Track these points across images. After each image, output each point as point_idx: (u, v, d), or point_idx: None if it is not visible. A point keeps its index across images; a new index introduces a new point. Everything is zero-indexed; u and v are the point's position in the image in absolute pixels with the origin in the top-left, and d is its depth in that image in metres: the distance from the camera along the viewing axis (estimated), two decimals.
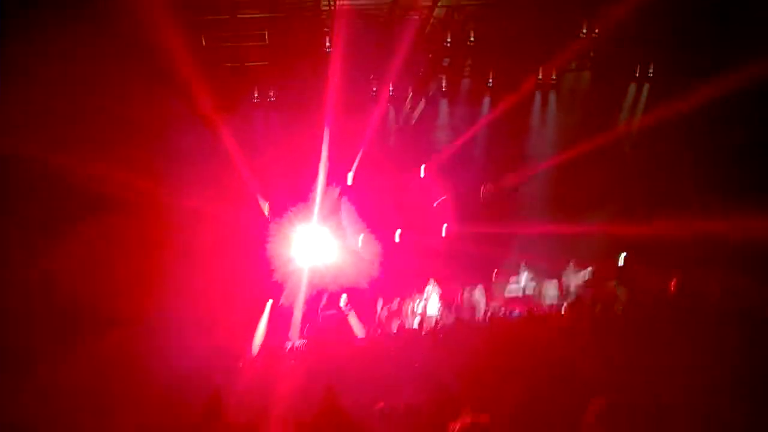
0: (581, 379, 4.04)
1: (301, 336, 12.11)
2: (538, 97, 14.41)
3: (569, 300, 12.37)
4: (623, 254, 11.89)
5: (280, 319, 12.97)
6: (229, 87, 13.26)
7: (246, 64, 13.52)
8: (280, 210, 14.58)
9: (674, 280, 9.19)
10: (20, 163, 8.52)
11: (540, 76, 13.93)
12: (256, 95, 14.12)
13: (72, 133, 9.25)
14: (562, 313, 10.75)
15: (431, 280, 13.81)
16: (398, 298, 13.81)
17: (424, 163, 15.33)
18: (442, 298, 13.32)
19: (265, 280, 13.71)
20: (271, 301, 13.17)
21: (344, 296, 13.49)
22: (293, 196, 14.54)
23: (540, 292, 13.44)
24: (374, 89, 14.37)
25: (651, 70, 13.50)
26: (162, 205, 10.93)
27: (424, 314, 12.93)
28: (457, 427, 2.46)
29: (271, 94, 14.19)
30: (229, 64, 13.28)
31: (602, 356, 4.91)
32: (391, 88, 14.49)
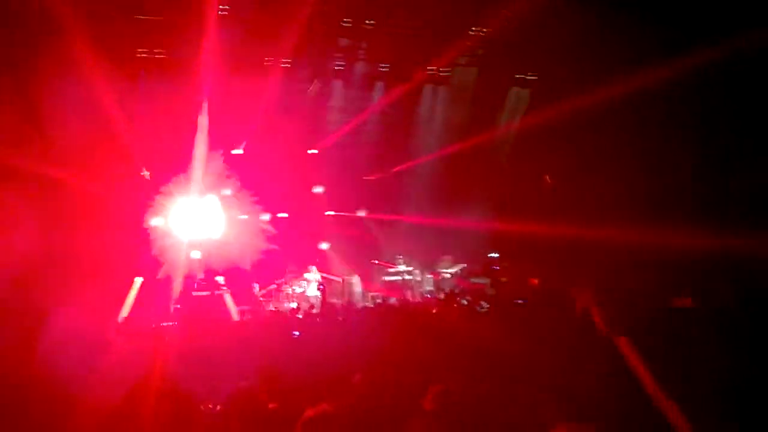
0: (434, 367, 4.28)
1: (172, 315, 11.70)
2: (428, 88, 14.75)
3: (442, 291, 13.08)
4: (494, 253, 12.70)
5: (153, 296, 12.41)
6: (115, 42, 12.13)
7: (136, 16, 12.42)
8: (161, 178, 13.82)
9: (535, 279, 9.96)
10: None
11: (431, 69, 14.23)
12: (142, 51, 13.03)
13: None
14: (435, 302, 11.30)
15: (312, 267, 13.91)
16: (276, 282, 13.77)
17: (315, 142, 15.21)
18: (320, 284, 13.49)
19: (141, 253, 13.02)
20: (141, 278, 12.52)
21: (221, 277, 13.20)
22: (176, 164, 13.81)
23: (416, 282, 14.07)
24: (267, 59, 13.88)
25: (532, 76, 14.23)
26: (31, 169, 9.98)
27: (301, 298, 13.03)
28: (303, 420, 2.48)
29: (159, 51, 13.16)
30: (118, 16, 12.11)
31: (461, 345, 5.23)
32: (285, 61, 14.07)
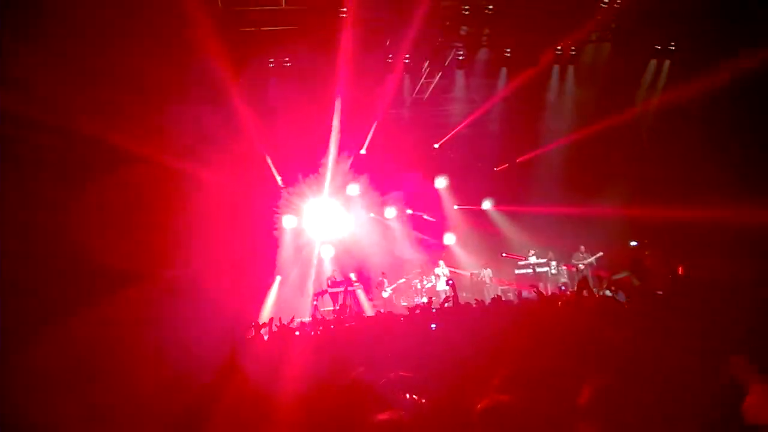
0: (587, 361, 4.01)
1: (312, 312, 12.21)
2: (556, 70, 13.96)
3: (578, 283, 12.31)
4: (633, 242, 11.73)
5: (290, 293, 13.08)
6: (245, 52, 12.93)
7: (262, 29, 13.14)
8: (292, 180, 14.51)
9: (681, 266, 9.09)
10: (36, 123, 8.47)
11: (559, 48, 13.44)
12: (271, 61, 13.74)
13: (87, 97, 9.15)
14: (570, 295, 10.69)
15: (440, 262, 13.81)
16: (406, 277, 13.85)
17: (439, 135, 15.07)
18: (449, 278, 13.34)
19: (276, 251, 13.78)
20: (279, 277, 13.24)
21: (353, 274, 13.54)
22: (306, 166, 14.43)
23: (549, 275, 13.43)
24: (390, 57, 13.99)
25: (673, 46, 12.91)
26: (176, 169, 10.85)
27: (431, 293, 13.00)
28: (482, 407, 2.44)
29: (286, 60, 13.79)
30: (245, 29, 12.92)
31: (607, 339, 4.85)
32: (407, 57, 14.08)
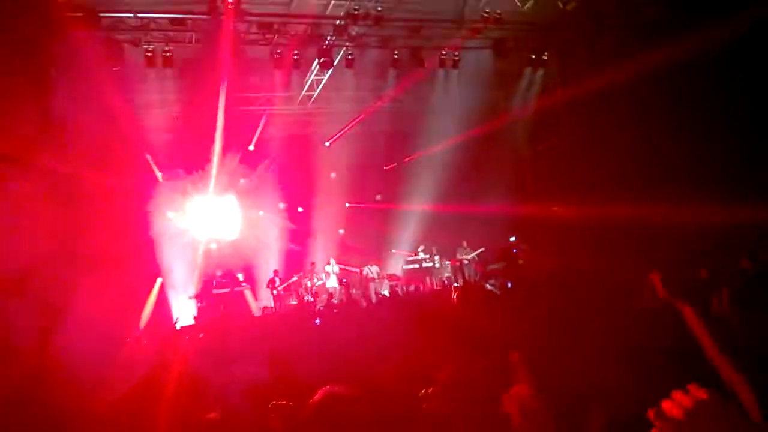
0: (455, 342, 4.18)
1: (197, 313, 11.74)
2: (440, 73, 14.50)
3: (462, 276, 12.92)
4: (512, 237, 12.50)
5: (173, 295, 12.47)
6: (118, 41, 12.09)
7: (138, 15, 12.35)
8: (175, 176, 13.87)
9: (554, 261, 9.78)
10: None
11: (444, 53, 13.98)
12: (149, 51, 12.90)
13: None
14: (455, 288, 11.15)
15: (331, 259, 13.85)
16: (296, 276, 13.73)
17: (330, 132, 15.11)
18: (340, 275, 13.42)
19: (157, 252, 13.07)
20: (160, 279, 12.56)
21: (240, 274, 13.21)
22: (190, 162, 13.84)
23: (434, 269, 13.95)
24: (278, 52, 13.76)
25: (545, 56, 13.91)
26: (49, 165, 10.01)
27: (320, 290, 12.99)
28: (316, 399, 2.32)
29: (167, 48, 13.05)
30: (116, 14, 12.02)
31: (477, 324, 5.09)
32: (295, 52, 13.92)
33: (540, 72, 14.01)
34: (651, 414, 1.39)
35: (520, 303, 6.63)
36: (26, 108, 9.83)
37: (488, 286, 9.52)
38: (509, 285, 9.10)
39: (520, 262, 11.78)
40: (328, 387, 2.36)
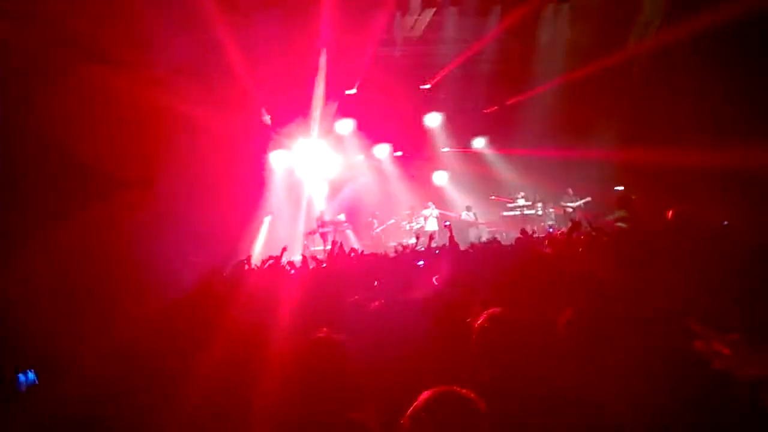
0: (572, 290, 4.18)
1: (302, 250, 12.33)
2: (550, 9, 13.65)
3: (567, 225, 12.50)
4: (619, 187, 11.85)
5: (280, 233, 13.14)
6: None
7: None
8: (281, 119, 14.33)
9: (671, 210, 9.22)
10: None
11: None
12: None
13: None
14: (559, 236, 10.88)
15: (430, 203, 13.89)
16: (394, 218, 13.95)
17: (430, 75, 14.82)
18: (440, 218, 13.47)
19: (265, 191, 13.75)
20: (270, 216, 13.25)
21: (342, 215, 13.60)
22: (294, 106, 14.21)
23: (536, 217, 13.60)
24: None
25: None
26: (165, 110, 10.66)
27: (421, 233, 13.14)
28: (480, 320, 2.58)
29: None
30: None
31: (593, 273, 5.02)
32: None
33: (660, 3, 12.78)
34: None
35: (641, 252, 6.35)
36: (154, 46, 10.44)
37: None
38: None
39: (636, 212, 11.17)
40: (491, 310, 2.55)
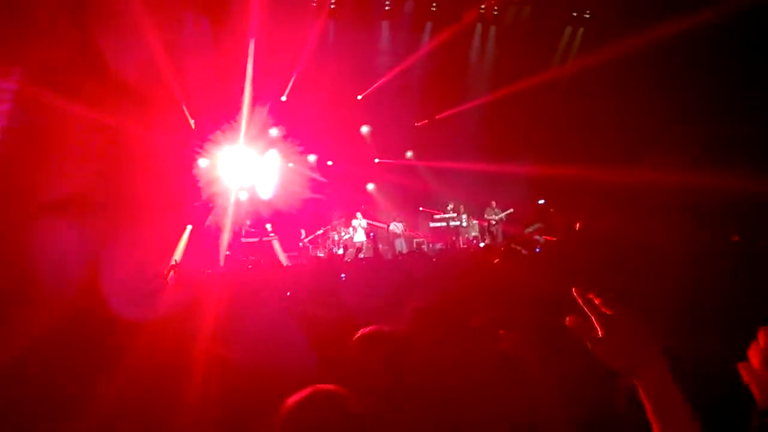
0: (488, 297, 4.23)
1: (223, 261, 11.96)
2: (479, 28, 14.11)
3: (488, 236, 12.85)
4: (541, 200, 12.32)
5: (202, 243, 12.70)
6: None
7: None
8: (207, 125, 13.91)
9: (579, 222, 9.71)
10: None
11: (483, 7, 13.56)
12: None
13: None
14: (481, 247, 11.16)
15: (358, 214, 13.88)
16: (323, 228, 13.82)
17: (361, 86, 14.88)
18: (367, 230, 13.47)
19: (190, 199, 13.27)
20: (190, 225, 12.78)
21: (269, 224, 13.32)
22: (221, 111, 13.84)
23: (461, 228, 13.88)
24: (314, 1, 13.50)
25: (588, 14, 13.42)
26: (88, 113, 10.14)
27: (348, 243, 13.09)
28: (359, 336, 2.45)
29: None
30: None
31: (509, 280, 5.13)
32: (332, 3, 13.65)
33: (580, 31, 13.53)
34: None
35: (556, 263, 6.58)
36: (68, 51, 9.90)
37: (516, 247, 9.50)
38: (538, 250, 9.07)
39: (552, 224, 11.66)
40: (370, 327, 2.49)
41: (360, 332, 2.43)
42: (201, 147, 13.82)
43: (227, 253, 12.24)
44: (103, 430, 2.56)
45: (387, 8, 13.95)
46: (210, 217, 13.32)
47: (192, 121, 13.69)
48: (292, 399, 1.78)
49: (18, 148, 8.76)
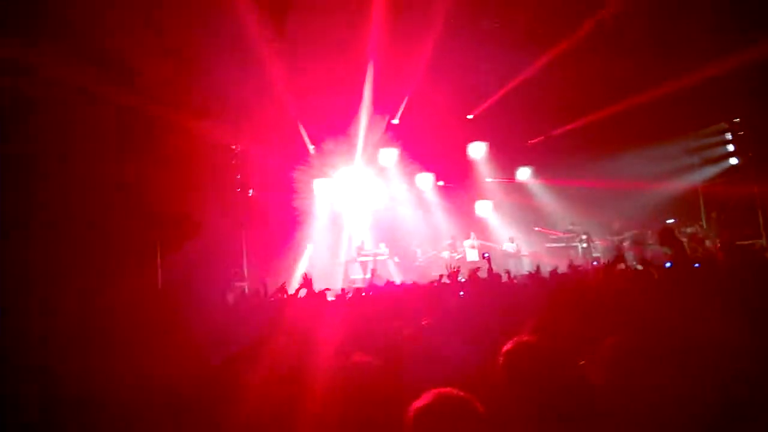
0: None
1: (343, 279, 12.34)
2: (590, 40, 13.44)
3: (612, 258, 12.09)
4: (671, 220, 11.44)
5: (321, 262, 13.19)
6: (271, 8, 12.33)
7: None
8: (323, 147, 14.43)
9: (719, 242, 8.92)
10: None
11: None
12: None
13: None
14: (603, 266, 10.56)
15: (471, 234, 13.73)
16: (437, 249, 13.81)
17: (473, 104, 14.76)
18: (480, 250, 13.27)
19: (307, 219, 13.85)
20: (311, 245, 13.34)
21: (382, 244, 13.56)
22: (337, 133, 14.25)
23: (581, 249, 13.24)
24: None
25: None
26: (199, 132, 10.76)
27: (462, 262, 12.95)
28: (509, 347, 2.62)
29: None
30: None
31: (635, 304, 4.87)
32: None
33: None
34: None
35: (681, 285, 6.10)
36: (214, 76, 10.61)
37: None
38: (668, 265, 8.45)
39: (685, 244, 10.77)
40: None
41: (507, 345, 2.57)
42: (319, 169, 14.43)
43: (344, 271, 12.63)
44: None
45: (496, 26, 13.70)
46: (328, 238, 13.82)
47: (311, 147, 14.29)
48: (420, 401, 1.87)
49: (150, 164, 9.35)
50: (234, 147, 12.51)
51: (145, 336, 5.11)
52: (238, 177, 12.63)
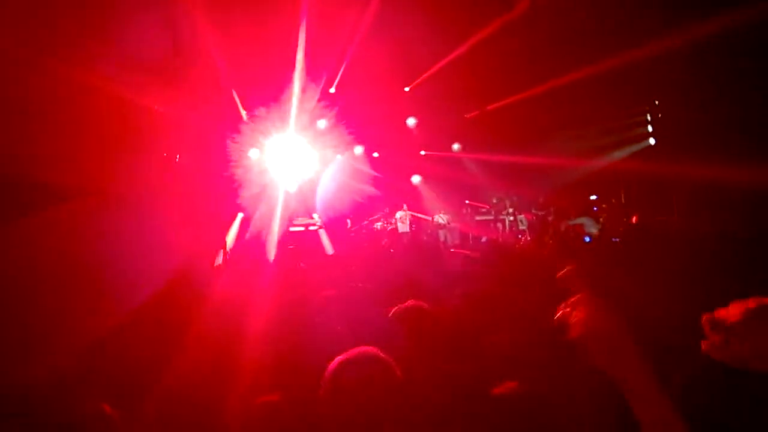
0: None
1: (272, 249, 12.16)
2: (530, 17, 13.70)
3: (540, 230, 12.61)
4: (593, 196, 12.01)
5: (252, 231, 12.95)
6: None
7: None
8: (256, 115, 14.07)
9: (636, 216, 9.45)
10: None
11: None
12: None
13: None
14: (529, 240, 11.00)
15: (404, 205, 13.87)
16: (368, 219, 13.88)
17: (410, 77, 14.76)
18: (412, 222, 13.46)
19: (237, 190, 13.52)
20: (241, 214, 13.05)
21: (315, 214, 13.47)
22: (271, 101, 13.94)
23: (508, 222, 13.69)
24: None
25: None
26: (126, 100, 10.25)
27: (394, 233, 13.11)
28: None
29: None
30: None
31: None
32: None
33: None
34: (704, 320, 1.41)
35: (603, 256, 6.46)
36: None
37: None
38: (587, 240, 8.90)
39: (601, 219, 11.36)
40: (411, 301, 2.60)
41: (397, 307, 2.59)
42: (251, 137, 14.04)
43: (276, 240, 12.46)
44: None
45: None
46: (260, 207, 13.57)
47: (244, 113, 13.89)
48: (339, 358, 1.88)
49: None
50: (157, 108, 11.88)
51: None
52: (163, 141, 12.07)
